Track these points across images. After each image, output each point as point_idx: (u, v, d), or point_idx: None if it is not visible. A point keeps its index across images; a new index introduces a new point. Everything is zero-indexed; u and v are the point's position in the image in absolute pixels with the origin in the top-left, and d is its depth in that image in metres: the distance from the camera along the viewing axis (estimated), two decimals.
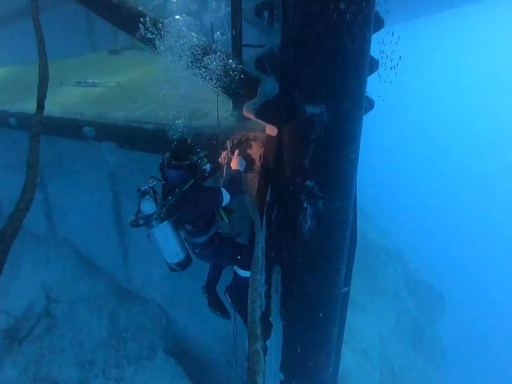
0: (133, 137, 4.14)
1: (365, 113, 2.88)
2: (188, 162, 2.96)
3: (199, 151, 3.16)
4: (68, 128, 4.82)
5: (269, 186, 3.02)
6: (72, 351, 5.26)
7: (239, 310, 3.70)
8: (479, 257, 20.69)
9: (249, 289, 2.14)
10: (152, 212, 2.94)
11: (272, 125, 2.78)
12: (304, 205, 2.89)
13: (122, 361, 4.93)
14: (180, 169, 2.93)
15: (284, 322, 3.42)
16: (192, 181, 2.94)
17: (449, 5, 16.32)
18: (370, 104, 3.03)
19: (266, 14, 2.47)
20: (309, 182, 2.81)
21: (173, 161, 2.92)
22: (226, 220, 3.49)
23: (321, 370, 3.72)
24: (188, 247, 3.33)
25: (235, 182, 3.16)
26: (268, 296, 3.44)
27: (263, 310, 3.53)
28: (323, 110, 2.57)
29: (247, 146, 3.43)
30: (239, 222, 3.83)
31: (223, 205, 3.12)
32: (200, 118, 4.01)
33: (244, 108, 2.75)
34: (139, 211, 2.99)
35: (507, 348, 15.05)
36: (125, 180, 4.66)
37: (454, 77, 45.90)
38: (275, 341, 3.58)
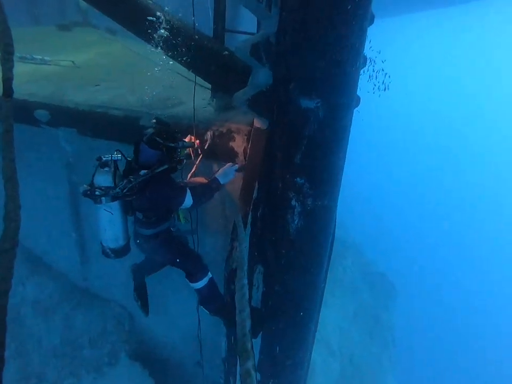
0: (98, 124, 3.72)
1: None
2: (172, 145, 2.71)
3: (184, 140, 2.94)
4: (15, 111, 4.21)
5: (256, 183, 2.87)
6: (15, 364, 4.59)
7: (224, 322, 3.52)
8: (426, 249, 22.42)
9: (236, 296, 1.97)
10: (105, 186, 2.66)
11: (263, 117, 2.62)
12: (293, 202, 2.79)
13: (79, 370, 4.46)
14: (159, 149, 2.67)
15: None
16: (166, 166, 2.68)
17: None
18: (357, 101, 2.99)
19: None
20: (299, 179, 2.70)
21: (156, 138, 2.64)
22: (183, 222, 3.28)
23: (298, 368, 3.69)
24: (130, 235, 3.08)
25: (207, 192, 2.91)
26: (249, 296, 3.31)
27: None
28: (318, 104, 2.46)
29: (229, 138, 3.23)
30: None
31: (181, 208, 2.89)
32: (174, 106, 3.71)
33: (234, 98, 2.55)
34: (92, 182, 2.69)
35: (448, 333, 16.57)
36: (86, 170, 4.19)
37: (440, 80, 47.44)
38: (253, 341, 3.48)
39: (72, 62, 5.48)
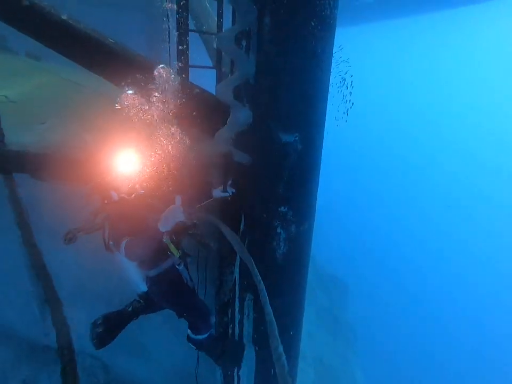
0: (57, 168, 3.47)
1: None
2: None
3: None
4: None
5: (242, 216, 2.96)
6: None
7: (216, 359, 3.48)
8: (372, 244, 24.13)
9: (277, 369, 1.68)
10: None
11: (246, 153, 2.73)
12: (278, 230, 2.93)
13: None
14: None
15: (256, 348, 3.39)
16: (104, 215, 2.57)
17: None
18: None
19: (244, 43, 2.43)
20: (282, 207, 2.86)
21: None
22: (176, 254, 3.14)
23: None
24: None
25: (144, 246, 2.35)
26: (241, 323, 3.35)
27: (237, 339, 3.42)
28: (297, 138, 2.66)
29: (205, 172, 3.26)
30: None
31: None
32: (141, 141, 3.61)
33: (216, 137, 2.62)
34: None
35: (402, 319, 18.09)
36: (41, 214, 3.86)
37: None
38: (247, 368, 3.51)
39: (5, 96, 4.98)
